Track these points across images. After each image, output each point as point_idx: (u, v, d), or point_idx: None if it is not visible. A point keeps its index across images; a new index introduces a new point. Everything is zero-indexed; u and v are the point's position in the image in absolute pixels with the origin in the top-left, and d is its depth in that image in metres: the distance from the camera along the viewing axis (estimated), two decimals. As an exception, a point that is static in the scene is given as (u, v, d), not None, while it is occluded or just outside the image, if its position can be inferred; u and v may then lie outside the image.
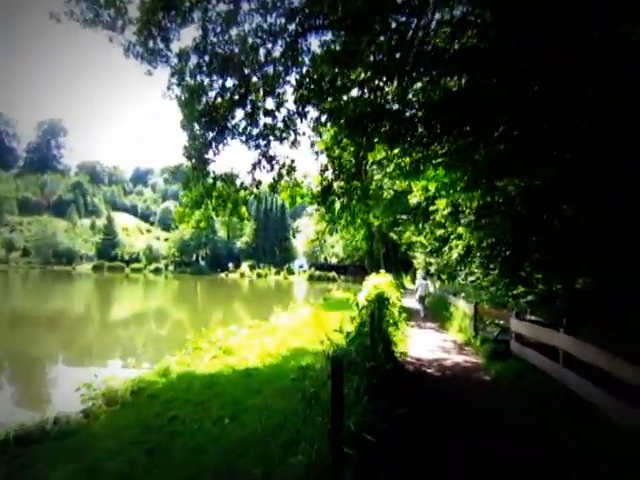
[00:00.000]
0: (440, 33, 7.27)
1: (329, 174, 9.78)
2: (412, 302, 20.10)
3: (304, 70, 8.01)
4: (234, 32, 7.79)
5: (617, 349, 4.97)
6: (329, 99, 8.19)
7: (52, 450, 5.30)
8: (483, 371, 8.39)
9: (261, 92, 8.46)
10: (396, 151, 8.98)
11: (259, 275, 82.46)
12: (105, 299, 38.00)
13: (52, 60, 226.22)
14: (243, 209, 10.08)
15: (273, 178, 9.30)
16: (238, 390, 7.07)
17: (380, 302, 8.37)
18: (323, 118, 8.63)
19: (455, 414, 5.74)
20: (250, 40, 7.74)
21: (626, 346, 5.15)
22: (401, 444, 3.80)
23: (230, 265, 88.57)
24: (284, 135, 8.88)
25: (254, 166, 9.09)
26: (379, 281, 14.90)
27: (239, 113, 8.67)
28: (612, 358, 4.81)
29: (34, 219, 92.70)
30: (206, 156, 8.83)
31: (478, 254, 15.19)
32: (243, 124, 8.67)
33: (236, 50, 7.86)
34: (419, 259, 29.18)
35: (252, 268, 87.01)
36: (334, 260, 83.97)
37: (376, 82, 7.41)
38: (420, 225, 22.31)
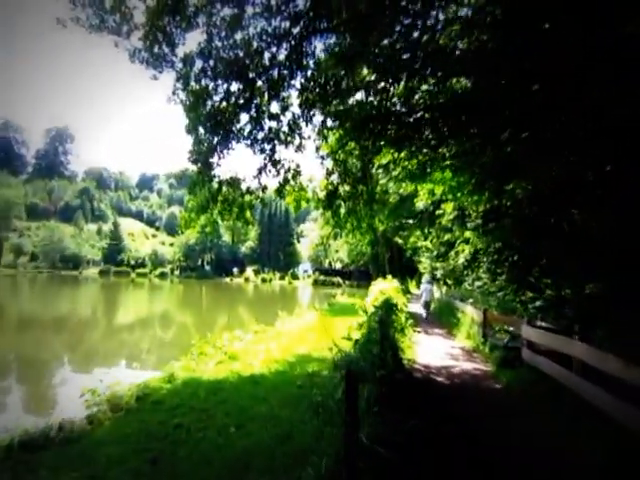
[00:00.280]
0: (446, 33, 7.19)
1: (335, 178, 9.71)
2: (417, 307, 19.95)
3: (309, 74, 7.98)
4: (239, 36, 7.76)
5: (629, 356, 4.80)
6: (334, 102, 8.13)
7: (56, 457, 5.22)
8: (493, 379, 8.22)
9: (266, 96, 8.43)
10: (403, 154, 8.89)
11: (264, 280, 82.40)
12: (111, 303, 38.08)
13: (52, 61, 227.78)
14: (248, 213, 10.03)
15: (279, 182, 9.25)
16: (243, 397, 6.97)
17: (388, 308, 8.24)
18: (329, 122, 8.58)
19: (466, 423, 5.60)
20: (255, 44, 7.70)
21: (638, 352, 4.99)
22: (412, 455, 3.70)
23: (235, 270, 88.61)
24: (289, 139, 8.85)
25: (260, 170, 9.05)
26: (385, 286, 14.77)
27: (244, 117, 8.67)
28: (633, 367, 4.62)
29: (42, 224, 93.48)
30: (211, 160, 8.81)
31: (485, 259, 15.01)
32: (248, 128, 8.65)
33: (241, 54, 7.82)
34: (425, 264, 28.96)
35: (257, 273, 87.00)
36: (338, 265, 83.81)
37: (382, 84, 7.33)
38: (426, 229, 22.14)
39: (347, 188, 9.77)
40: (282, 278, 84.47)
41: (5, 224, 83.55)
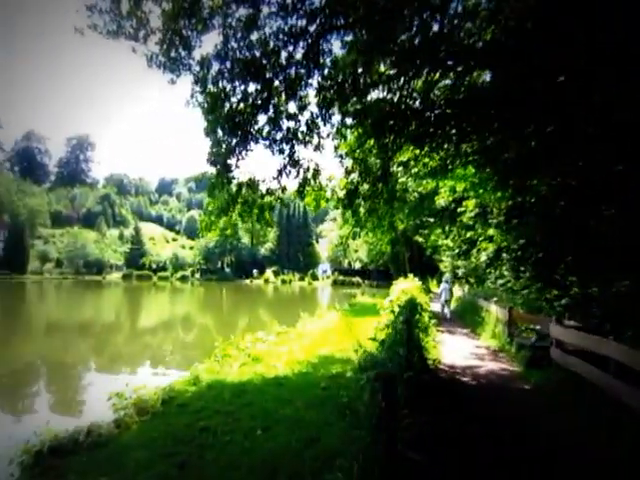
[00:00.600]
0: (465, 29, 7.02)
1: (354, 176, 9.60)
2: (438, 306, 19.71)
3: (326, 72, 7.90)
4: (255, 36, 7.74)
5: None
6: (352, 100, 8.03)
7: (85, 462, 5.25)
8: (521, 380, 7.98)
9: (283, 96, 8.38)
10: (423, 151, 8.73)
11: (283, 281, 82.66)
12: (135, 306, 38.71)
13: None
14: (268, 215, 10.01)
15: (299, 183, 9.18)
16: (268, 400, 6.92)
17: (412, 308, 8.10)
18: (347, 120, 8.48)
19: (494, 424, 5.43)
20: (271, 43, 7.66)
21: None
22: (437, 455, 3.61)
23: (254, 271, 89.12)
24: (308, 139, 8.78)
25: (280, 172, 9.01)
26: (407, 286, 14.56)
27: (262, 118, 8.63)
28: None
29: (65, 231, 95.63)
30: (230, 162, 8.80)
31: (508, 256, 14.68)
32: (266, 129, 8.61)
33: (257, 54, 7.79)
34: (446, 262, 28.54)
35: (276, 274, 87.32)
36: (358, 265, 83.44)
37: (402, 80, 7.20)
38: (447, 227, 21.84)
39: (367, 187, 9.64)
40: (302, 279, 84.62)
41: (31, 232, 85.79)
